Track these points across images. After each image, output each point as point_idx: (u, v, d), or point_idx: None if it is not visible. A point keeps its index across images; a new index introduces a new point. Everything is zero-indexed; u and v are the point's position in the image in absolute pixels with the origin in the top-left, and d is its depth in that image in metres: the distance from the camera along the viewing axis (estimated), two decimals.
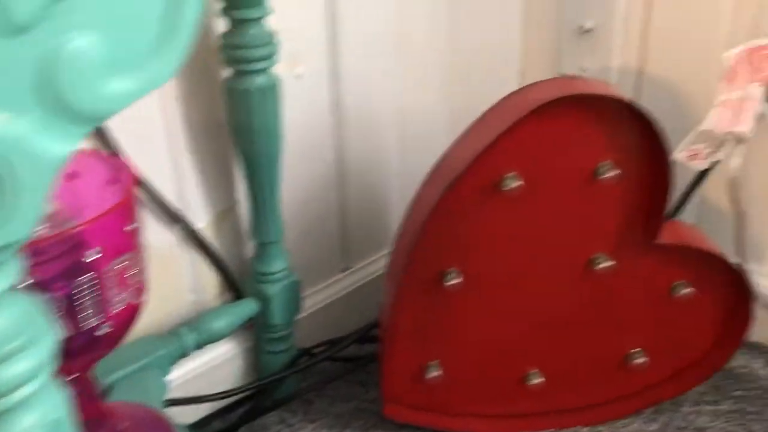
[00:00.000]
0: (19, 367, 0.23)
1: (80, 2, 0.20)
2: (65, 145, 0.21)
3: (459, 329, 0.65)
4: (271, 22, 0.63)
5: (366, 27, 0.72)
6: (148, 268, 0.46)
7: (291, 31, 0.66)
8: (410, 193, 0.63)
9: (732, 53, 0.67)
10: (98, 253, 0.39)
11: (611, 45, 0.82)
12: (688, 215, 0.81)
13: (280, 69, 0.66)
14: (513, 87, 0.90)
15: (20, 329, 0.23)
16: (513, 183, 0.58)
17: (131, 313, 0.43)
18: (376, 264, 0.83)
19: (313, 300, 0.79)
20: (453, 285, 0.62)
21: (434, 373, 0.66)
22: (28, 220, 0.21)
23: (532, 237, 0.62)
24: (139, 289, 0.43)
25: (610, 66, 0.83)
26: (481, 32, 0.85)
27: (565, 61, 0.87)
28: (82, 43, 0.21)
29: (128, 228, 0.42)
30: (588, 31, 0.83)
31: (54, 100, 0.21)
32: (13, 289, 0.23)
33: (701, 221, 0.81)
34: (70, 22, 0.20)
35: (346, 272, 0.81)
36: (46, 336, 0.24)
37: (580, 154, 0.59)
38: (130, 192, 0.43)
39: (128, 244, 0.42)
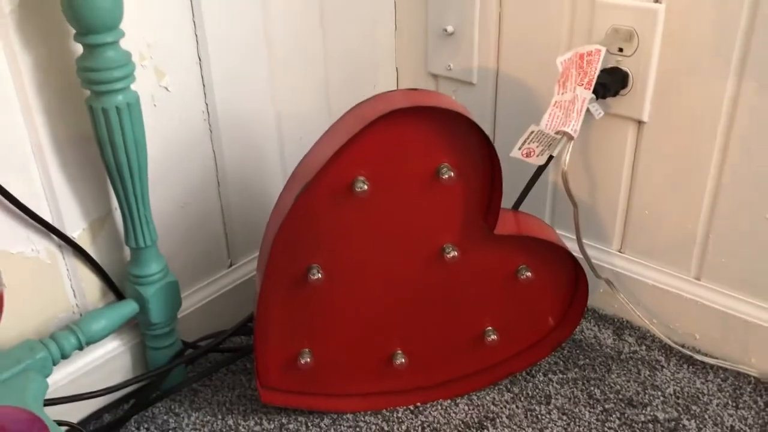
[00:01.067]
0: None
1: None
2: None
3: (325, 318, 0.71)
4: (136, 37, 0.67)
5: (233, 36, 0.77)
6: (2, 281, 0.50)
7: (156, 46, 0.70)
8: None
9: (564, 58, 0.74)
10: None
11: (470, 47, 0.88)
12: (542, 204, 0.89)
13: (147, 81, 0.70)
14: (390, 86, 0.97)
15: None
16: (362, 185, 0.64)
17: None
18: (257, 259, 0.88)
19: (200, 295, 0.84)
20: (316, 279, 0.68)
21: (305, 359, 0.72)
22: None
23: (385, 232, 0.68)
24: None
25: (471, 65, 0.89)
26: (356, 36, 0.91)
27: (432, 60, 0.93)
28: None
29: None
30: (451, 34, 0.89)
31: None
32: None
33: (555, 208, 0.90)
34: None
35: (230, 268, 0.86)
36: None
37: (422, 158, 0.65)
38: None
39: None
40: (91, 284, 0.73)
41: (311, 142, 0.87)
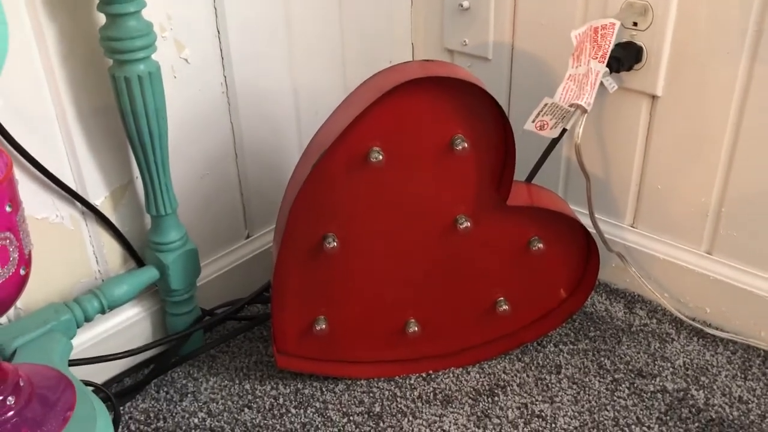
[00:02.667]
0: None
1: None
2: None
3: (341, 286, 0.73)
4: (157, 8, 0.69)
5: (252, 10, 0.78)
6: (32, 243, 0.52)
7: (177, 18, 0.72)
8: None
9: (578, 31, 0.74)
10: None
11: (486, 22, 0.89)
12: (555, 177, 0.90)
13: (168, 52, 0.72)
14: (400, 61, 0.98)
15: None
16: (377, 155, 0.66)
17: (16, 283, 0.49)
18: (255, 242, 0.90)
19: (218, 265, 0.86)
20: (331, 248, 0.69)
21: (321, 326, 0.74)
22: None
23: (399, 202, 0.69)
24: (22, 262, 0.50)
25: (487, 40, 0.90)
26: (373, 12, 0.91)
27: (448, 35, 0.94)
28: None
29: (8, 208, 0.48)
30: (466, 9, 0.90)
31: None
32: None
33: (568, 182, 0.90)
34: None
35: (248, 239, 0.88)
36: None
37: (436, 128, 0.67)
38: (9, 175, 0.48)
39: (8, 222, 0.48)
40: (112, 250, 0.75)
41: (327, 116, 0.88)
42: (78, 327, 0.69)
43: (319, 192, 0.67)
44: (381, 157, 0.66)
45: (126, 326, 0.77)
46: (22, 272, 0.50)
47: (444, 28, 0.94)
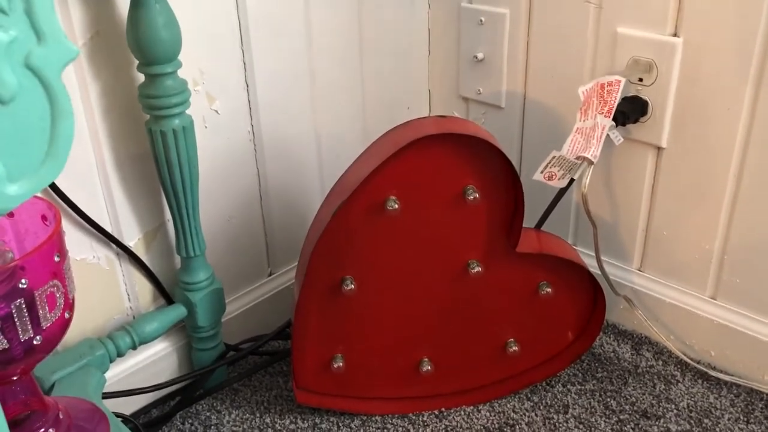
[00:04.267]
0: None
1: None
2: None
3: (358, 326, 0.77)
4: (190, 64, 0.74)
5: (278, 64, 0.83)
6: (75, 288, 0.56)
7: (208, 73, 0.77)
8: None
9: (586, 87, 0.79)
10: (31, 280, 0.50)
11: (499, 72, 0.93)
12: (564, 223, 0.94)
13: (200, 104, 0.77)
14: (423, 107, 1.03)
15: None
16: (393, 204, 0.70)
17: (61, 325, 0.54)
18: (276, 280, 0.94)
19: (242, 301, 0.90)
20: (349, 290, 0.74)
21: (338, 363, 0.77)
22: None
23: (414, 248, 0.74)
24: (67, 306, 0.54)
25: (500, 90, 0.94)
26: (392, 62, 0.97)
27: (463, 84, 0.99)
28: None
29: (56, 258, 0.52)
30: (481, 60, 0.94)
31: None
32: None
33: (577, 228, 0.94)
34: None
35: (270, 277, 0.93)
36: None
37: (449, 179, 0.71)
38: (58, 228, 0.53)
39: (57, 271, 0.52)
40: (144, 289, 0.80)
41: (348, 160, 0.93)
42: (111, 362, 0.73)
43: (338, 237, 0.71)
44: (397, 205, 0.70)
45: (154, 360, 0.82)
46: (66, 315, 0.54)
47: (459, 77, 0.99)
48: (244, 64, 0.80)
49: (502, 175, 0.71)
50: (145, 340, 0.76)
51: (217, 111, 0.79)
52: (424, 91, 1.03)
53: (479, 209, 0.72)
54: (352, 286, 0.73)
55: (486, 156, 0.70)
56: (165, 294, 0.81)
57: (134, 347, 0.75)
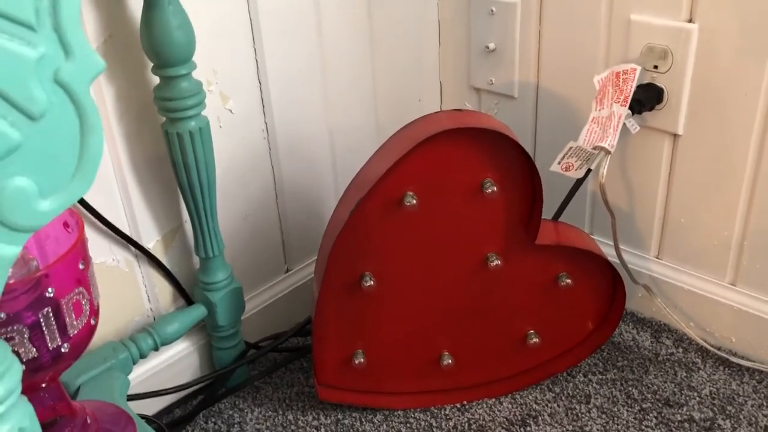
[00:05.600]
0: None
1: (18, 158, 0.31)
2: (13, 247, 0.32)
3: (378, 322, 0.77)
4: (204, 65, 0.74)
5: (290, 61, 0.83)
6: (99, 293, 0.57)
7: (222, 72, 0.77)
8: None
9: (601, 76, 0.78)
10: (57, 289, 0.50)
11: (511, 62, 0.93)
12: (582, 213, 0.93)
13: (214, 104, 0.77)
14: (434, 99, 1.02)
15: None
16: (411, 200, 0.70)
17: (87, 332, 0.54)
18: (313, 266, 0.94)
19: (260, 299, 0.90)
20: (369, 286, 0.74)
21: (359, 359, 0.78)
22: None
23: (432, 242, 0.73)
24: (93, 313, 0.54)
25: (512, 80, 0.94)
26: (403, 54, 0.96)
27: (475, 75, 0.98)
28: (20, 182, 0.32)
29: (81, 265, 0.53)
30: (492, 50, 0.94)
31: (5, 222, 0.31)
32: None
33: (594, 217, 0.94)
34: (10, 171, 0.31)
35: (288, 273, 0.93)
36: (14, 368, 0.36)
37: (467, 173, 0.71)
38: (82, 235, 0.53)
39: (81, 278, 0.52)
40: (164, 290, 0.80)
41: (361, 153, 0.93)
42: (134, 364, 0.74)
43: (357, 234, 0.71)
44: (415, 201, 0.70)
45: (175, 360, 0.82)
46: (92, 322, 0.55)
47: (471, 67, 0.98)
48: (257, 62, 0.80)
49: (519, 168, 0.71)
50: (167, 341, 0.77)
51: (231, 110, 0.79)
52: (436, 83, 1.03)
53: (497, 202, 0.72)
54: (372, 282, 0.73)
55: (503, 149, 0.70)
56: (185, 294, 0.81)
57: (156, 348, 0.76)
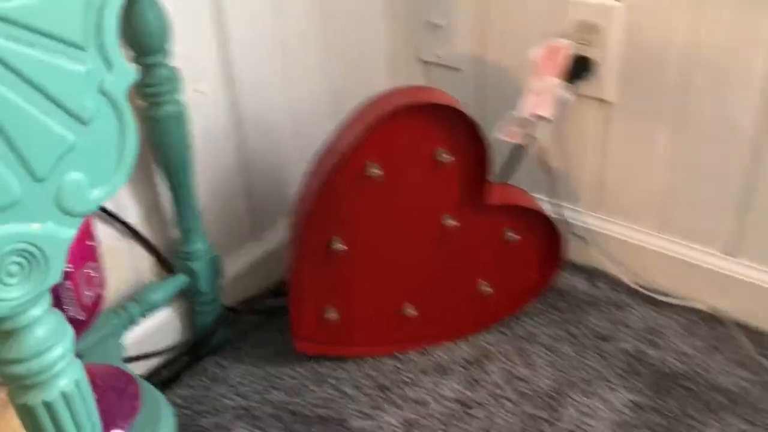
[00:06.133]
0: (56, 351, 0.41)
1: (73, 156, 0.38)
2: (70, 230, 0.39)
3: (349, 281, 0.85)
4: (176, 49, 0.79)
5: (252, 43, 0.89)
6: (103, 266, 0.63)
7: (189, 57, 0.82)
8: (304, 168, 0.81)
9: (536, 51, 0.87)
10: (73, 264, 0.56)
11: (457, 37, 1.00)
12: (525, 175, 1.03)
13: (186, 87, 0.82)
14: (382, 72, 1.09)
15: (56, 330, 0.41)
16: (376, 170, 0.78)
17: (98, 301, 0.61)
18: (282, 231, 1.01)
19: (235, 265, 0.97)
20: (340, 250, 0.82)
21: (332, 315, 0.86)
22: (57, 273, 0.39)
23: (395, 208, 0.82)
24: (101, 284, 0.61)
25: (459, 53, 1.02)
26: (351, 30, 1.03)
27: (422, 50, 1.05)
28: (75, 176, 0.38)
29: (89, 242, 0.59)
30: (439, 25, 1.01)
31: (64, 210, 0.38)
32: (48, 308, 0.41)
33: (536, 178, 1.03)
34: (67, 167, 0.38)
35: (258, 241, 1.00)
36: (68, 332, 0.42)
37: (424, 144, 0.79)
38: (89, 216, 0.59)
39: (92, 254, 0.59)
40: (146, 262, 0.86)
41: (320, 125, 1.00)
42: (125, 330, 0.80)
43: (328, 203, 0.79)
44: (379, 171, 0.78)
45: (160, 326, 0.89)
46: (101, 292, 0.61)
47: (418, 41, 1.05)
48: (223, 45, 0.85)
49: (470, 137, 0.79)
50: (153, 308, 0.83)
51: (199, 90, 0.85)
52: (385, 56, 1.10)
53: (451, 169, 0.81)
54: (342, 246, 0.81)
55: (455, 121, 0.78)
56: (166, 265, 0.87)
57: (144, 315, 0.82)
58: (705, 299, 0.93)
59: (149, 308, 0.83)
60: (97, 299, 0.60)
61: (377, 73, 1.09)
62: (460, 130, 0.79)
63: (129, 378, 0.71)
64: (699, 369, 0.84)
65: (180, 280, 0.86)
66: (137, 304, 0.81)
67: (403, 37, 1.07)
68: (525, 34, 0.94)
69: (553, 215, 0.90)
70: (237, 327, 0.96)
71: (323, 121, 1.00)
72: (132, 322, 0.81)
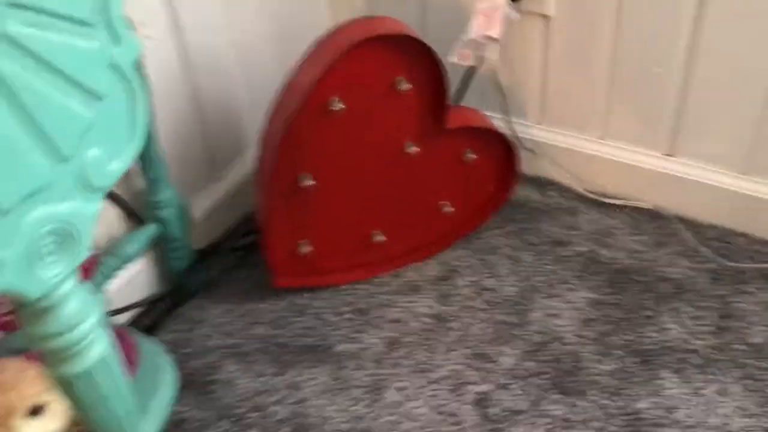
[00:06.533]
0: (89, 323, 0.43)
1: (92, 133, 0.38)
2: (97, 204, 0.40)
3: (319, 214, 0.87)
4: None
5: None
6: None
7: (135, 2, 0.80)
8: (257, 106, 0.83)
9: None
10: None
11: None
12: (478, 94, 1.06)
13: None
14: (323, 5, 1.08)
15: (87, 301, 0.42)
16: (339, 105, 0.79)
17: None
18: (241, 169, 1.02)
19: (200, 208, 0.98)
20: (309, 185, 0.84)
21: (306, 248, 0.89)
22: (87, 247, 0.40)
23: (360, 139, 0.84)
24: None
25: None
26: None
27: None
28: (95, 152, 0.39)
29: None
30: None
31: (88, 186, 0.39)
32: (78, 282, 0.42)
33: (488, 97, 1.06)
34: (88, 144, 0.38)
35: (219, 181, 1.00)
36: (98, 301, 0.44)
37: (382, 75, 0.80)
38: None
39: None
40: (115, 214, 0.86)
41: (267, 63, 0.99)
42: (105, 285, 0.81)
43: (295, 140, 0.80)
44: (342, 105, 0.79)
45: (136, 275, 0.90)
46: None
47: None
48: None
49: (426, 64, 0.81)
50: (128, 260, 0.84)
51: (148, 37, 0.83)
52: None
53: (410, 97, 0.83)
54: (311, 182, 0.83)
55: (411, 49, 0.80)
56: (136, 216, 0.87)
57: (120, 268, 0.83)
58: (649, 198, 1.00)
59: (125, 261, 0.83)
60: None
61: (319, 6, 1.08)
62: (416, 57, 0.80)
63: (121, 332, 0.73)
64: (648, 263, 0.92)
65: (151, 229, 0.86)
66: (113, 257, 0.82)
67: None
68: None
69: (505, 131, 0.94)
70: (212, 269, 0.97)
71: (268, 63, 1.00)
72: (110, 276, 0.81)
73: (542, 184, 1.06)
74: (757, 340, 0.82)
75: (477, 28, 0.87)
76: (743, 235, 0.95)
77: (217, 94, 0.95)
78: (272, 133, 0.81)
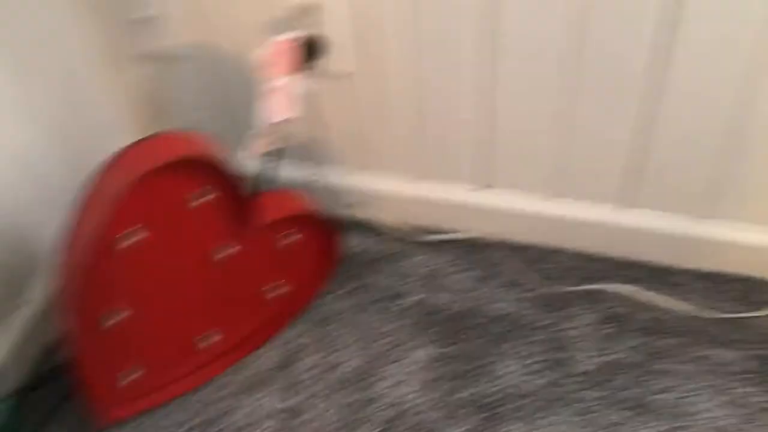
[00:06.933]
0: None
1: None
2: None
3: (143, 339, 0.82)
4: None
5: None
6: None
7: None
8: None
9: (262, 51, 0.82)
10: None
11: (171, 29, 0.92)
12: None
13: None
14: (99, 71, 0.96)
15: None
16: (137, 235, 0.73)
17: None
18: (24, 313, 0.91)
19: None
20: (124, 317, 0.77)
21: (136, 373, 0.82)
22: None
23: (169, 257, 0.78)
24: None
25: (177, 44, 0.93)
26: (55, 71, 0.90)
27: (137, 44, 0.95)
28: None
29: None
30: (151, 18, 0.92)
31: None
32: None
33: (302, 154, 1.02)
34: None
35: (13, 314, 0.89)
36: None
37: (174, 196, 0.75)
38: None
39: None
40: None
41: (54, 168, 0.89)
42: None
43: (94, 285, 0.73)
44: (142, 234, 0.73)
45: None
46: None
47: (131, 37, 0.94)
48: None
49: (217, 174, 0.76)
50: None
51: None
52: (96, 55, 0.97)
53: (211, 206, 0.78)
54: (126, 313, 0.77)
55: (198, 165, 0.74)
56: None
57: None
58: (472, 229, 1.02)
59: None
60: None
61: (95, 87, 0.96)
62: (205, 170, 0.75)
63: None
64: (480, 303, 0.94)
65: None
66: None
67: (114, 35, 0.95)
68: (245, 18, 0.88)
69: (327, 183, 0.93)
70: (33, 417, 0.87)
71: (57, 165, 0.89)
72: None
73: (373, 228, 1.05)
74: (588, 367, 0.87)
75: (270, 111, 0.82)
76: (560, 251, 0.99)
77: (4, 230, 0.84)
78: (70, 281, 0.73)
